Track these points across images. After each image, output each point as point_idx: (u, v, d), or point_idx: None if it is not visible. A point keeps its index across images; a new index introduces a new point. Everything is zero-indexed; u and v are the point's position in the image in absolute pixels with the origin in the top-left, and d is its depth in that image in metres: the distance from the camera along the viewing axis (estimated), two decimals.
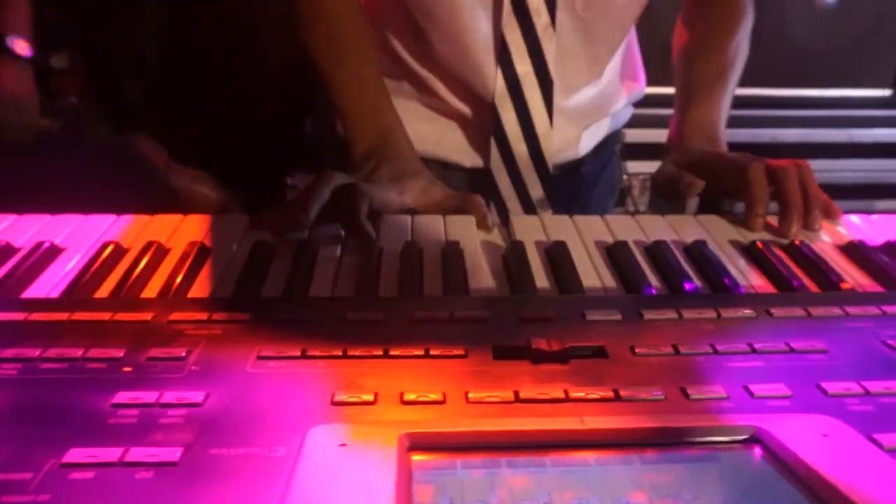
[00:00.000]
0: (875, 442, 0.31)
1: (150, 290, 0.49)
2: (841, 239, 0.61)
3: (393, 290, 0.51)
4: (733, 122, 1.78)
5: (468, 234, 0.61)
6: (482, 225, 0.63)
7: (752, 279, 0.53)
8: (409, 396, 0.34)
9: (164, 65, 1.68)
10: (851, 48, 1.61)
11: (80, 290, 0.49)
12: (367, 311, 0.42)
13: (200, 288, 0.51)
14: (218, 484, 0.28)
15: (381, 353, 0.38)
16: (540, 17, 0.71)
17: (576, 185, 0.88)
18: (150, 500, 0.27)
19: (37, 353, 0.37)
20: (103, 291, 0.49)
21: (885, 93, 1.70)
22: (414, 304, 0.43)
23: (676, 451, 0.30)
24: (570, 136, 0.81)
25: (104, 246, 0.55)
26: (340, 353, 0.38)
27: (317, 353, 0.38)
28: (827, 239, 0.61)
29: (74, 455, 0.29)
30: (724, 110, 0.76)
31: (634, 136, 1.55)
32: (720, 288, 0.51)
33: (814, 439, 0.30)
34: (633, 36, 0.87)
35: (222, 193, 1.70)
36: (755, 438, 0.31)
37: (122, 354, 0.37)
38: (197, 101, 1.65)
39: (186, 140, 1.54)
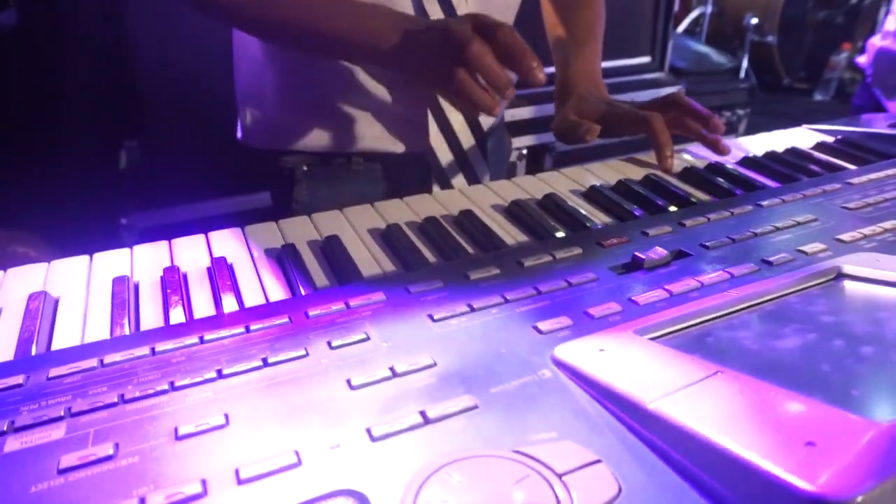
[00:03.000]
0: None
1: (207, 309, 0.47)
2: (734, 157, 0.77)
3: (433, 258, 0.54)
4: (532, 101, 2.00)
5: (466, 203, 0.65)
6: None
7: (696, 193, 0.66)
8: (595, 312, 0.39)
9: None
10: (617, 24, 1.93)
11: (133, 324, 0.44)
12: (485, 268, 0.46)
13: (256, 295, 0.49)
14: (527, 408, 0.31)
15: (534, 292, 0.42)
16: None
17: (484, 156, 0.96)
18: (484, 440, 0.29)
19: (213, 374, 0.35)
20: (153, 317, 0.45)
21: (646, 60, 2.07)
22: (517, 253, 0.48)
23: (804, 292, 0.40)
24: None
25: (118, 282, 0.50)
26: (502, 300, 0.41)
27: (481, 304, 0.41)
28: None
29: (379, 429, 0.30)
30: (600, 58, 0.89)
31: None
32: (686, 203, 0.63)
33: (873, 263, 0.42)
34: None
35: (43, 247, 1.48)
36: (841, 274, 0.41)
37: (304, 352, 0.37)
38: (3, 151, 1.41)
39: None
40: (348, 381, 0.34)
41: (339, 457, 0.29)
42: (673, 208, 0.61)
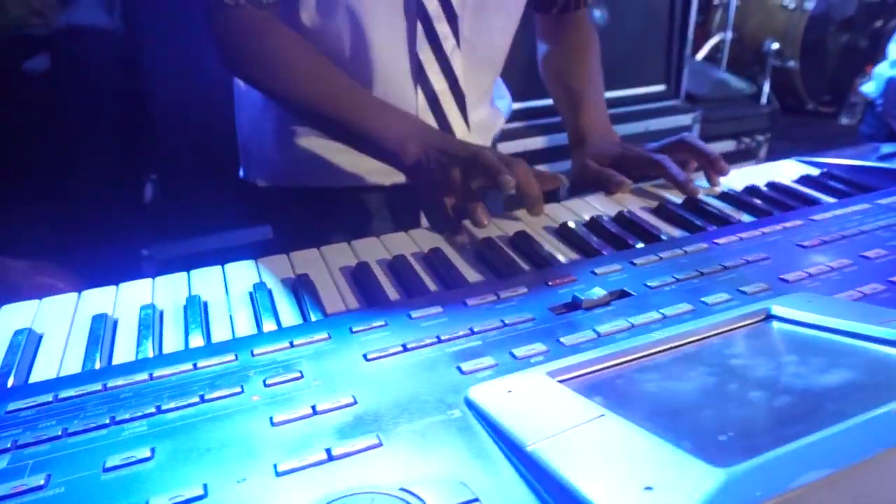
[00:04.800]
0: (837, 299, 0.44)
1: (176, 344, 0.50)
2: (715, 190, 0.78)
3: (395, 294, 0.56)
4: (549, 130, 2.01)
5: (439, 241, 0.68)
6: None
7: (667, 229, 0.67)
8: (520, 353, 0.41)
9: None
10: (631, 53, 1.95)
11: (104, 360, 0.48)
12: (425, 308, 0.48)
13: (224, 332, 0.52)
14: (430, 447, 0.33)
15: (468, 332, 0.44)
16: (447, 41, 0.81)
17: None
18: (381, 477, 0.31)
19: (153, 409, 0.38)
20: (128, 355, 0.49)
21: (661, 88, 2.08)
22: (464, 293, 0.50)
23: (728, 334, 0.40)
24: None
25: (97, 320, 0.54)
26: (435, 340, 0.43)
27: (415, 344, 0.43)
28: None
29: (284, 465, 0.32)
30: (604, 101, 0.93)
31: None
32: (655, 240, 0.64)
33: (805, 305, 0.42)
34: None
35: (68, 278, 1.56)
36: (770, 315, 0.42)
37: (240, 389, 0.39)
38: (27, 183, 1.50)
39: (25, 225, 1.40)
40: (271, 419, 0.36)
41: (243, 490, 0.31)
42: (640, 245, 0.62)
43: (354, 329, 0.46)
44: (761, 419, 0.30)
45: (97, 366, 0.47)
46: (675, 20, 2.00)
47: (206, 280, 0.62)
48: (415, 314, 0.47)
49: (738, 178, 0.82)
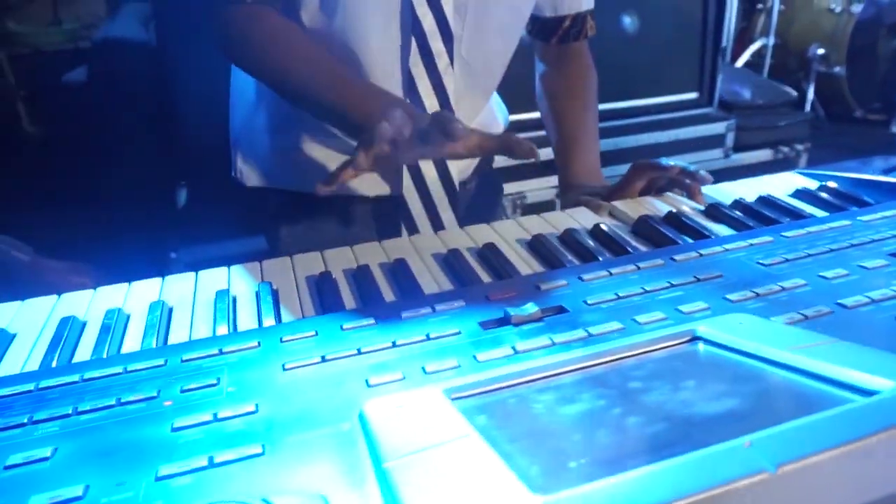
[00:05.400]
0: (772, 321, 0.42)
1: (133, 348, 0.52)
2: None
3: (353, 304, 0.57)
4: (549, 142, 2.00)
5: (409, 252, 0.68)
6: (531, 155, 0.66)
7: (639, 242, 0.66)
8: (431, 367, 0.40)
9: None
10: (661, 61, 1.91)
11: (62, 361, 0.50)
12: (359, 320, 0.48)
13: (184, 337, 0.54)
14: (309, 458, 0.33)
15: (390, 344, 0.44)
16: (441, 59, 0.82)
17: (466, 198, 0.99)
18: (254, 486, 0.31)
19: (69, 410, 0.39)
20: (85, 355, 0.51)
21: (693, 96, 2.02)
22: (405, 302, 0.50)
23: (645, 355, 0.39)
24: (467, 162, 0.92)
25: (64, 321, 0.56)
26: (356, 352, 0.43)
27: (334, 355, 0.43)
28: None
29: (165, 470, 0.33)
30: (596, 145, 0.94)
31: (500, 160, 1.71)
32: (623, 252, 0.63)
33: (734, 327, 0.41)
34: None
35: (99, 278, 1.63)
36: (695, 337, 0.41)
37: (156, 394, 0.40)
38: (65, 188, 1.58)
39: (56, 228, 1.47)
40: (172, 424, 0.37)
41: (118, 494, 0.32)
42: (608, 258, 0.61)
43: (285, 338, 0.46)
44: (621, 446, 0.29)
45: (53, 367, 0.50)
46: (709, 25, 1.94)
47: (178, 285, 0.64)
48: (346, 325, 0.47)
49: (732, 191, 0.79)
